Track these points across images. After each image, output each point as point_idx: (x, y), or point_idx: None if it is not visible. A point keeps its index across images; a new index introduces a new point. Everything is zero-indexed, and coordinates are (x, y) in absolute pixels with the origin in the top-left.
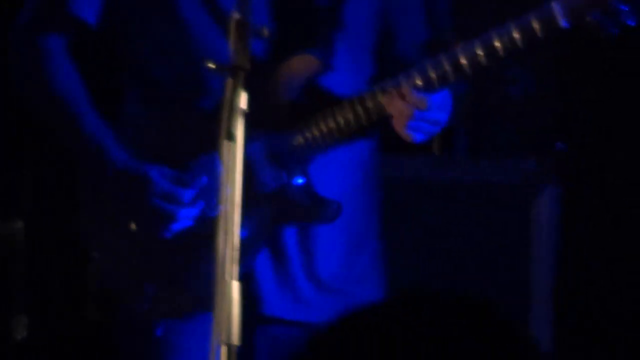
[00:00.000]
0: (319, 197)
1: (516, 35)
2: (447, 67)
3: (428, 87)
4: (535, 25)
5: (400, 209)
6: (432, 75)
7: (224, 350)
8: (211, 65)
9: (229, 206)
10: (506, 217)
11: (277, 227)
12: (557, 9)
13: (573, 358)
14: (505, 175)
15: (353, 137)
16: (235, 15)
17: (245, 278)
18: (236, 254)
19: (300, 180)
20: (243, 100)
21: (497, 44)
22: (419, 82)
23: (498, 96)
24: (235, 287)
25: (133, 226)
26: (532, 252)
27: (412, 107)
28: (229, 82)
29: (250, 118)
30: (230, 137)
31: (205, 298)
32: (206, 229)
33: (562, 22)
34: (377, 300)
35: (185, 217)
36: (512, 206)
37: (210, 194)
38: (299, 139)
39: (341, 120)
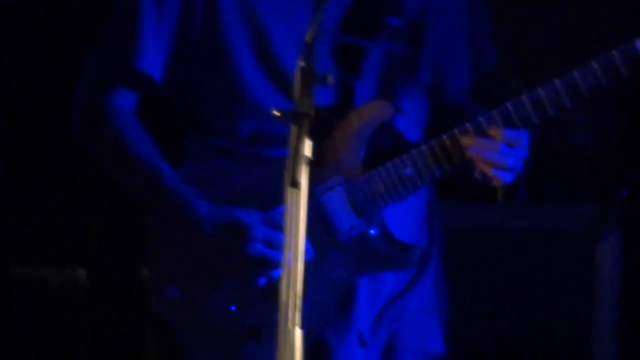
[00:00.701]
0: (400, 242)
1: (601, 75)
2: (529, 108)
3: (509, 127)
4: (620, 64)
5: (464, 257)
6: (514, 115)
7: None
8: (276, 113)
9: (293, 254)
10: (569, 264)
11: (357, 277)
12: None
13: None
14: (568, 222)
15: (431, 182)
16: (301, 63)
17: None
18: (299, 302)
19: (372, 232)
20: (308, 148)
21: (581, 84)
22: (499, 124)
23: (560, 141)
24: (297, 335)
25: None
26: (595, 299)
27: (501, 144)
28: (294, 129)
29: (325, 165)
30: (295, 184)
31: None
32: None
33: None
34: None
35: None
36: (575, 253)
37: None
38: (377, 186)
39: (421, 166)
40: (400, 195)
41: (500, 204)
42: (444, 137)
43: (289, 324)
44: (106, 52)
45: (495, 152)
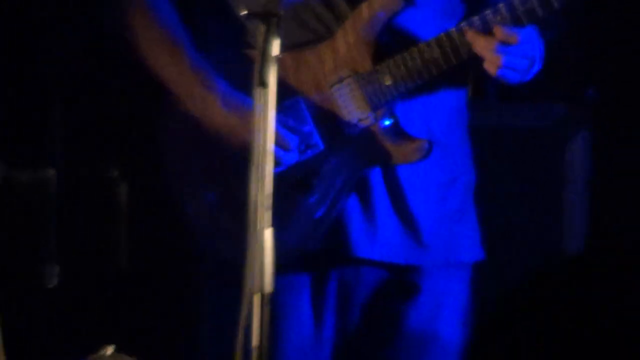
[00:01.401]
0: (409, 136)
1: None
2: (535, 1)
3: (516, 23)
4: None
5: None
6: (520, 9)
7: (257, 298)
8: (244, 12)
9: (261, 153)
10: (538, 161)
11: (366, 170)
12: None
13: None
14: (537, 119)
15: (441, 76)
16: None
17: (336, 221)
18: (268, 202)
19: (387, 122)
20: (276, 47)
21: None
22: (506, 17)
23: None
24: (268, 235)
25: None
26: (564, 195)
27: (503, 43)
28: (261, 28)
29: (337, 57)
30: (263, 84)
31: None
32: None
33: None
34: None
35: (287, 164)
36: (544, 150)
37: (302, 140)
38: (386, 79)
39: (429, 59)
40: (408, 87)
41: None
42: (452, 30)
43: (259, 225)
44: None
45: (490, 50)
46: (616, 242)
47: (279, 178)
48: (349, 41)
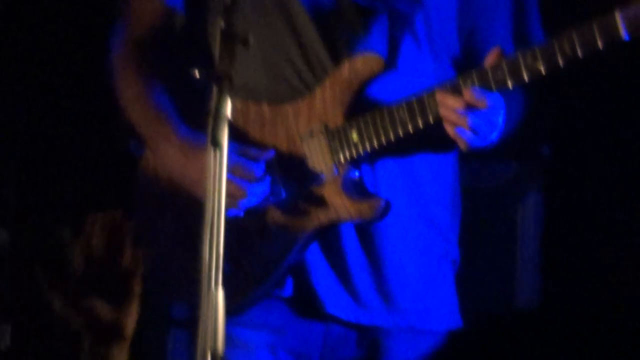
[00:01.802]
0: (369, 193)
1: (578, 46)
2: (506, 72)
3: (485, 88)
4: (598, 36)
5: None
6: (490, 78)
7: (209, 358)
8: (196, 73)
9: (214, 213)
10: (491, 220)
11: (317, 228)
12: (620, 20)
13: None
14: (490, 179)
15: (408, 137)
16: (220, 23)
17: (297, 269)
18: (220, 262)
19: (356, 173)
20: (228, 108)
21: (558, 55)
22: (477, 82)
23: None
24: (220, 295)
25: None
26: (517, 254)
27: (471, 106)
28: (214, 90)
29: (312, 112)
30: (216, 144)
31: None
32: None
33: (623, 34)
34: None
35: (255, 194)
36: (497, 210)
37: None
38: (353, 135)
39: (397, 119)
40: (374, 145)
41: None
42: (424, 93)
43: (212, 284)
44: None
45: (455, 111)
46: (567, 299)
47: (242, 222)
48: (325, 97)
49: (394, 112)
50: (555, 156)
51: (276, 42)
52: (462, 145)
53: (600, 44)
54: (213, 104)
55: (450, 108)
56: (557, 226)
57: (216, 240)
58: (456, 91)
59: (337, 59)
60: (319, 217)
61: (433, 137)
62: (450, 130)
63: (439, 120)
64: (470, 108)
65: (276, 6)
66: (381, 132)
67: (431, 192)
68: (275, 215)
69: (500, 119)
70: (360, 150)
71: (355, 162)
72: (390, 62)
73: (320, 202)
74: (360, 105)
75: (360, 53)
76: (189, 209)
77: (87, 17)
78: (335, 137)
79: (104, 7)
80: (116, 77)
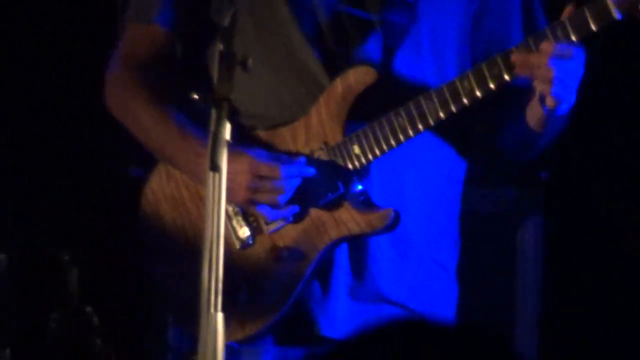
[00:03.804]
0: (376, 206)
1: (571, 31)
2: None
3: (482, 87)
4: (590, 18)
5: None
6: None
7: None
8: (195, 97)
9: (214, 238)
10: (491, 245)
11: (332, 242)
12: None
13: None
14: (490, 204)
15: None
16: (219, 47)
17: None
18: (220, 286)
19: (359, 187)
20: (227, 131)
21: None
22: (472, 82)
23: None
24: (220, 319)
25: None
26: (516, 279)
27: (557, 57)
28: (213, 113)
29: (310, 130)
30: (215, 168)
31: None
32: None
33: (616, 13)
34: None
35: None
36: (497, 235)
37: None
38: (355, 148)
39: (397, 126)
40: (376, 155)
41: None
42: (420, 97)
43: (212, 309)
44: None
45: (542, 66)
46: (568, 325)
47: (254, 249)
48: (321, 115)
49: (392, 120)
50: (554, 181)
51: (271, 64)
52: (551, 103)
53: (593, 26)
54: (212, 127)
55: (534, 64)
56: (558, 250)
57: (215, 264)
58: (455, 94)
59: (332, 75)
60: (330, 235)
61: (432, 147)
62: (542, 86)
63: (438, 123)
64: (556, 58)
65: (272, 26)
66: (382, 140)
67: (434, 207)
68: (286, 237)
69: (579, 76)
70: (364, 162)
71: (358, 175)
72: (387, 72)
73: (329, 219)
74: (358, 117)
75: (351, 66)
76: (198, 234)
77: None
78: (337, 153)
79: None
80: (125, 107)
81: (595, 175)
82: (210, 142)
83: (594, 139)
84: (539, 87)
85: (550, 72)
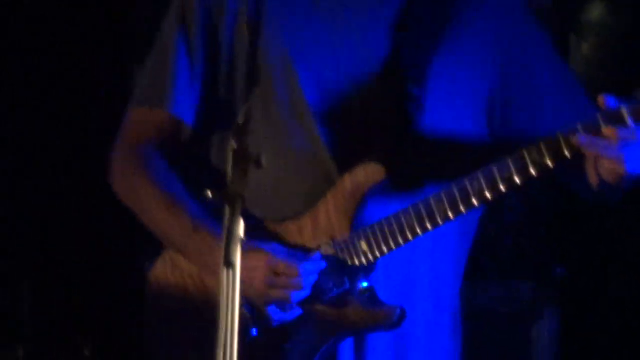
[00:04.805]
0: (382, 302)
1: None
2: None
3: (493, 190)
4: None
5: None
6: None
7: None
8: (209, 194)
9: (229, 333)
10: (507, 341)
11: (336, 337)
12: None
13: None
14: (506, 299)
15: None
16: (233, 144)
17: None
18: None
19: (365, 284)
20: (241, 228)
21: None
22: (483, 184)
23: (495, 224)
24: None
25: None
26: None
27: (618, 141)
28: (227, 210)
29: (318, 229)
30: (229, 265)
31: None
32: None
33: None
34: None
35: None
36: (514, 330)
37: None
38: (362, 244)
39: (405, 224)
40: (383, 252)
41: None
42: (429, 197)
43: None
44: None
45: (613, 149)
46: None
47: (260, 343)
48: (329, 210)
49: (401, 217)
50: (570, 276)
51: (280, 152)
52: (621, 169)
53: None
54: (226, 224)
55: (605, 147)
56: (574, 346)
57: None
58: (463, 193)
59: (342, 168)
60: (334, 330)
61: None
62: (607, 167)
63: (447, 223)
64: (622, 143)
65: (288, 120)
66: (390, 237)
67: (431, 296)
68: (291, 331)
69: None
70: (371, 258)
71: (365, 272)
72: (398, 168)
73: (334, 314)
74: (365, 214)
75: (360, 165)
76: (206, 321)
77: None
78: (344, 249)
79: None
80: (134, 196)
81: (611, 270)
82: (224, 238)
83: (607, 231)
84: (603, 165)
85: (620, 155)
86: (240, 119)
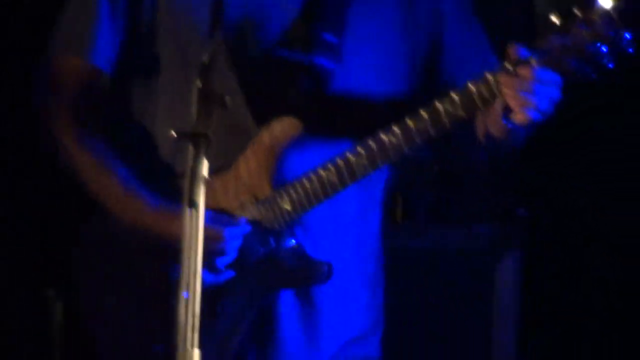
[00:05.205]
0: (310, 258)
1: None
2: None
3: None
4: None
5: None
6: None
7: None
8: (173, 134)
9: (190, 274)
10: (469, 282)
11: (270, 295)
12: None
13: None
14: (467, 241)
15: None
16: (198, 83)
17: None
18: (197, 322)
19: (293, 241)
20: (205, 168)
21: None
22: (399, 138)
23: (458, 163)
24: (196, 355)
25: None
26: (494, 316)
27: (534, 83)
28: (191, 149)
29: (238, 184)
30: (193, 204)
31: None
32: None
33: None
34: None
35: (232, 248)
36: (475, 272)
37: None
38: (285, 203)
39: (326, 181)
40: (307, 210)
41: (399, 224)
42: (348, 153)
43: (188, 345)
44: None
45: (528, 91)
46: (546, 355)
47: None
48: (250, 166)
49: (321, 175)
50: (532, 218)
51: None
52: (522, 120)
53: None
54: (189, 164)
55: (513, 86)
56: (536, 286)
57: (192, 301)
58: (381, 146)
59: (261, 122)
60: (262, 290)
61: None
62: (517, 108)
63: (365, 176)
64: (539, 86)
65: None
66: (312, 195)
67: (360, 242)
68: (221, 293)
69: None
70: (294, 216)
71: (290, 229)
72: (313, 119)
73: (264, 273)
74: (285, 169)
75: (276, 119)
76: (151, 274)
77: None
78: (267, 207)
79: None
80: (67, 152)
81: (572, 211)
82: (188, 178)
83: (570, 172)
84: (514, 106)
85: (532, 96)
86: (205, 59)
